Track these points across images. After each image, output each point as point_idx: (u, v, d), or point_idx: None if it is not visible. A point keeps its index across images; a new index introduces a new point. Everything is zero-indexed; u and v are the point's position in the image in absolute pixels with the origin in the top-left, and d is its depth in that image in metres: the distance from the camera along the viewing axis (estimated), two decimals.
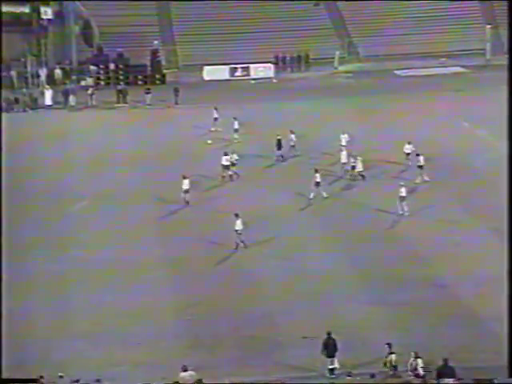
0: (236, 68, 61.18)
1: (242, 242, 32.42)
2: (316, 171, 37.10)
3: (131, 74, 59.21)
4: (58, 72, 57.73)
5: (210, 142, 44.82)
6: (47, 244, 33.29)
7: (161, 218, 35.97)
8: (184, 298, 29.19)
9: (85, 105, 53.33)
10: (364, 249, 32.51)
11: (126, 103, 53.75)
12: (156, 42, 61.27)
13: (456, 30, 64.45)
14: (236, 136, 44.99)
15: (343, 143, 41.91)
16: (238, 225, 32.23)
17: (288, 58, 63.35)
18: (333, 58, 62.79)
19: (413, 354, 23.59)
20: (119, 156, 43.38)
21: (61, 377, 22.91)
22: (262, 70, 61.51)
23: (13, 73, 55.78)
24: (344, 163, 39.96)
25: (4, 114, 51.03)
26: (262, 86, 58.87)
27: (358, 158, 39.34)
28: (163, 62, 61.04)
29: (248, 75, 61.20)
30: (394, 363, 23.68)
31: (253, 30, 63.78)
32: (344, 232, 34.17)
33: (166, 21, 64.84)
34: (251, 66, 61.26)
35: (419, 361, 23.51)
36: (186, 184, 36.07)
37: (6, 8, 57.49)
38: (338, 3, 67.28)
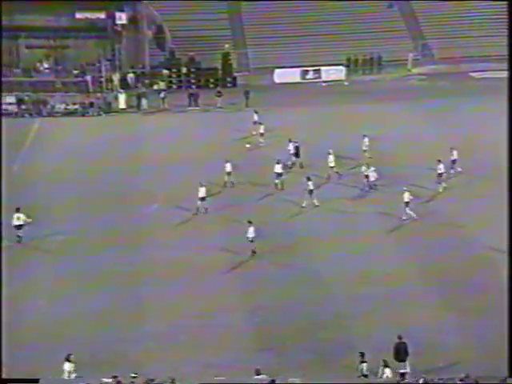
0: (307, 70, 60.88)
1: (254, 251, 32.17)
2: (308, 179, 36.71)
3: (203, 78, 59.65)
4: (131, 76, 58.60)
5: (248, 145, 44.46)
6: (121, 243, 33.64)
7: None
8: (253, 300, 29.16)
9: (157, 108, 53.93)
10: (430, 252, 31.86)
11: (198, 106, 54.09)
12: (227, 45, 61.56)
13: None
14: (261, 140, 44.47)
15: (364, 147, 41.45)
16: (251, 232, 31.98)
17: (360, 60, 62.73)
18: (406, 60, 61.90)
19: (382, 362, 23.09)
20: (190, 158, 43.47)
21: (134, 376, 23.03)
22: (334, 73, 61.06)
23: (88, 77, 56.82)
24: (332, 167, 39.58)
25: (79, 118, 52.27)
26: (334, 89, 58.48)
27: (371, 167, 38.26)
28: (234, 65, 61.29)
29: (319, 78, 60.87)
30: (365, 372, 23.23)
31: (324, 32, 63.36)
32: (408, 235, 33.58)
33: (237, 24, 65.05)
34: (322, 68, 60.91)
35: (387, 370, 23.05)
36: (202, 192, 35.79)
37: (82, 14, 58.82)
38: (413, 4, 66.34)
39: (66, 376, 23.35)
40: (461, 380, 22.11)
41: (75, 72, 57.67)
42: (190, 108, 54.02)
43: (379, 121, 48.83)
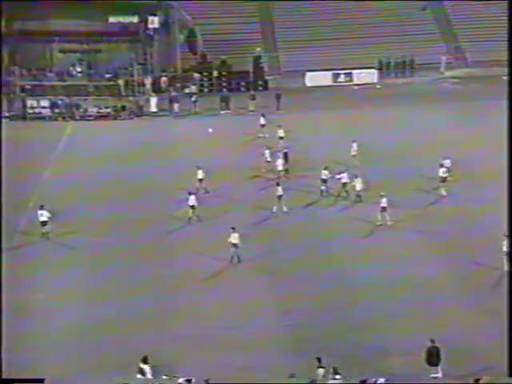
0: (339, 74, 60.71)
1: (238, 257, 31.91)
2: (277, 184, 36.55)
3: (234, 81, 59.75)
4: (163, 80, 58.87)
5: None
6: (157, 246, 33.67)
7: (259, 224, 35.81)
8: (284, 303, 29.08)
9: (188, 112, 54.07)
10: (467, 257, 31.50)
11: (229, 110, 54.16)
12: (259, 48, 61.60)
13: None
14: (281, 144, 44.15)
15: (353, 153, 41.23)
16: (235, 238, 31.69)
17: (392, 63, 62.38)
18: (439, 63, 61.42)
19: (332, 369, 22.94)
20: (218, 163, 43.01)
21: (174, 377, 23.05)
22: (366, 76, 60.80)
23: (120, 81, 57.18)
24: (280, 170, 39.42)
25: (111, 122, 52.65)
26: (365, 92, 58.22)
27: (357, 178, 37.62)
28: (266, 69, 61.29)
29: (351, 81, 60.63)
30: (320, 377, 23.10)
31: (356, 35, 63.10)
32: (444, 240, 33.25)
33: (268, 27, 65.06)
34: (354, 71, 60.68)
35: (338, 377, 22.86)
36: (192, 200, 35.49)
37: (115, 18, 59.30)
38: (446, 7, 65.82)
39: (144, 377, 23.47)
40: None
41: (108, 76, 58.13)
42: (222, 111, 54.13)
43: (410, 124, 48.54)
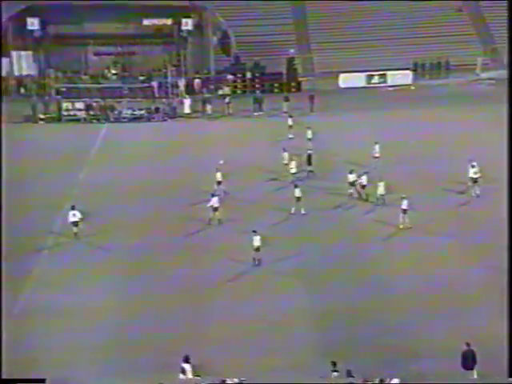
0: (373, 75, 60.38)
1: (259, 259, 31.73)
2: (295, 186, 36.28)
3: (267, 82, 59.74)
4: (196, 81, 59.03)
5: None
6: (187, 250, 33.66)
7: (290, 227, 35.64)
8: (319, 305, 28.92)
9: (222, 113, 54.17)
10: (499, 260, 31.03)
11: (262, 111, 54.12)
12: (292, 50, 61.52)
13: None
14: (310, 145, 43.90)
15: (376, 155, 41.00)
16: (257, 241, 31.54)
17: (427, 65, 61.87)
18: (475, 64, 60.74)
19: (346, 371, 22.73)
20: (241, 164, 42.89)
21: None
22: (400, 77, 60.39)
23: (154, 83, 57.48)
24: (293, 173, 39.22)
25: (145, 123, 52.93)
26: (399, 93, 57.80)
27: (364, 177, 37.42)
28: (299, 70, 61.16)
29: (385, 82, 60.28)
30: (333, 381, 22.96)
31: (391, 36, 62.74)
32: (476, 243, 32.89)
33: (302, 29, 64.92)
34: (388, 72, 60.30)
35: (351, 379, 22.59)
36: (214, 201, 35.31)
37: (149, 21, 59.67)
38: (482, 8, 65.09)
39: (185, 376, 23.49)
40: None
41: (142, 78, 58.49)
42: (255, 113, 54.12)
43: (443, 125, 48.08)
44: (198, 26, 60.33)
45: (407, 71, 60.53)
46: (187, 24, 59.06)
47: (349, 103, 54.61)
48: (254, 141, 47.37)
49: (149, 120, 53.50)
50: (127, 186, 40.66)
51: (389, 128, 48.07)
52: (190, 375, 23.77)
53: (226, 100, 54.72)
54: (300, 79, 60.23)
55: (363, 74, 60.20)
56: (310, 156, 40.98)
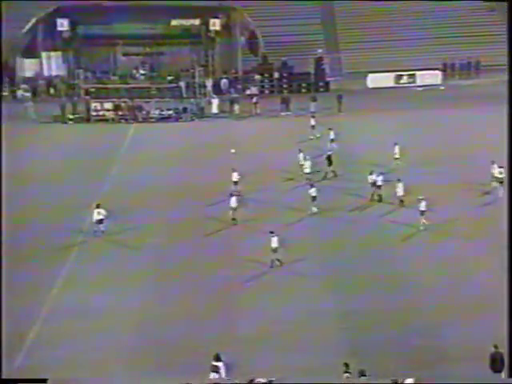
0: (401, 75, 59.98)
1: (278, 260, 31.56)
2: (311, 186, 36.34)
3: (295, 82, 59.60)
4: (224, 81, 59.08)
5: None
6: (213, 246, 33.74)
7: (306, 227, 35.48)
8: (345, 305, 28.78)
9: (249, 113, 54.14)
10: None
11: (290, 111, 53.99)
12: (320, 50, 61.33)
13: None
14: (334, 146, 43.55)
15: (395, 156, 41.06)
16: (274, 242, 31.38)
17: (457, 65, 61.29)
18: (505, 64, 59.97)
19: (358, 371, 22.50)
20: (261, 164, 42.88)
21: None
22: (429, 77, 59.95)
23: (182, 83, 57.62)
24: (307, 173, 39.39)
25: (172, 123, 53.07)
26: (428, 94, 57.37)
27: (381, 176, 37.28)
28: (327, 70, 60.94)
29: (414, 82, 59.85)
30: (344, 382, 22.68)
31: (420, 36, 62.22)
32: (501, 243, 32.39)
33: (330, 28, 64.67)
34: (417, 73, 59.87)
35: (363, 379, 22.29)
36: (233, 202, 35.52)
37: (177, 21, 59.83)
38: None
39: (219, 375, 23.44)
40: None
41: (169, 78, 58.63)
42: (282, 113, 54.00)
43: (470, 126, 47.64)
44: (226, 26, 60.33)
45: (437, 71, 60.05)
46: (215, 24, 59.13)
47: (377, 103, 54.34)
48: (278, 141, 47.14)
49: (176, 120, 53.61)
50: (155, 186, 40.74)
51: (415, 128, 47.81)
52: (223, 373, 23.58)
53: (254, 100, 54.67)
54: (328, 79, 60.03)
55: (392, 74, 59.83)
56: (330, 157, 40.83)
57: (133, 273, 31.57)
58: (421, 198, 34.68)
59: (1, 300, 28.17)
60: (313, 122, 47.55)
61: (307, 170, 40.02)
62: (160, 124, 52.97)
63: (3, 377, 22.68)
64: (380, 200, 37.39)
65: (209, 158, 44.82)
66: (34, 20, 58.77)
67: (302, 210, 36.66)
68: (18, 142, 47.93)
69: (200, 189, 39.89)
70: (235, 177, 38.54)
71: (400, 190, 36.66)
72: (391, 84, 59.72)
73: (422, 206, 34.38)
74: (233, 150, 39.00)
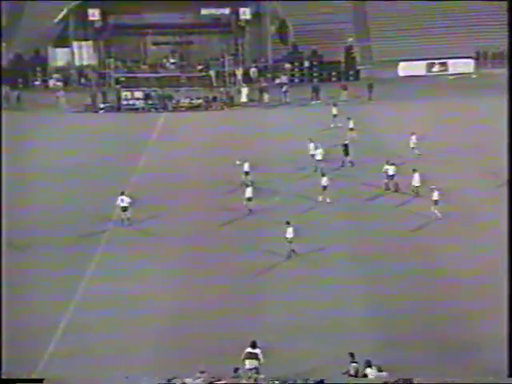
0: (433, 63, 59.41)
1: (293, 251, 31.37)
2: (323, 175, 36.15)
3: (325, 71, 59.34)
4: (253, 70, 58.97)
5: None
6: (241, 239, 33.72)
7: (320, 216, 35.27)
8: (378, 294, 28.59)
9: (279, 102, 54.02)
10: None
11: (319, 100, 53.73)
12: (351, 38, 60.94)
13: None
14: (353, 135, 43.34)
15: (412, 145, 41.01)
16: (289, 233, 31.17)
17: (490, 53, 60.49)
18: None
19: (365, 362, 22.34)
20: (276, 154, 42.69)
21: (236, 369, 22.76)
22: (461, 66, 59.26)
23: (212, 72, 57.63)
24: (318, 160, 39.46)
25: (202, 112, 53.09)
26: (460, 82, 56.76)
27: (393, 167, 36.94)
28: (357, 58, 60.55)
29: (446, 71, 59.24)
30: (351, 373, 22.48)
31: (452, 23, 61.49)
32: None
33: (361, 17, 64.18)
34: (449, 61, 59.23)
35: (368, 370, 22.10)
36: (248, 192, 35.51)
37: (207, 10, 59.81)
38: None
39: (258, 361, 23.19)
40: None
41: (199, 67, 58.69)
42: (312, 102, 53.77)
43: (499, 115, 46.92)
44: (256, 15, 60.18)
45: (469, 59, 59.35)
46: (245, 13, 59.02)
47: (408, 92, 53.90)
48: (302, 130, 46.44)
49: (206, 109, 53.68)
50: (183, 174, 40.79)
51: (443, 117, 47.25)
52: (262, 359, 23.38)
53: (284, 89, 54.51)
54: (358, 68, 59.64)
55: (423, 62, 59.28)
56: (346, 146, 40.61)
57: (159, 261, 31.62)
58: (433, 187, 34.43)
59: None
60: (335, 110, 47.31)
61: (318, 158, 39.90)
62: (190, 113, 53.06)
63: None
64: (396, 190, 37.13)
65: (236, 148, 44.66)
66: (65, 10, 59.10)
67: (313, 199, 36.52)
68: (50, 132, 48.38)
69: (227, 178, 39.86)
70: (246, 167, 38.51)
71: (416, 180, 36.38)
72: (423, 72, 59.20)
73: (435, 195, 34.09)
74: (238, 162, 39.12)
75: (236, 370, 22.91)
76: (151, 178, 40.64)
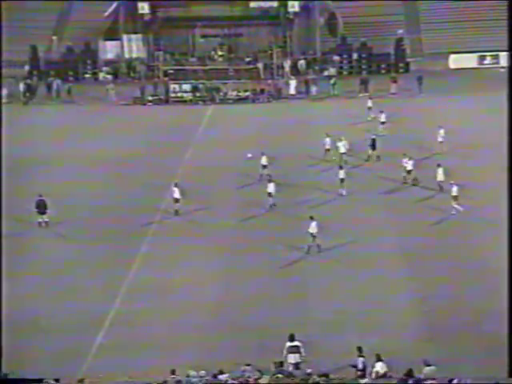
0: (485, 56, 58.39)
1: (318, 245, 31.09)
2: (341, 168, 35.93)
3: (374, 63, 58.78)
4: (301, 63, 58.68)
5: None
6: (282, 229, 33.64)
7: (340, 211, 35.18)
8: (422, 289, 28.35)
9: (327, 94, 53.66)
10: None
11: (368, 92, 53.23)
12: (401, 30, 60.19)
13: None
14: (381, 129, 43.11)
15: (439, 139, 40.31)
16: (313, 228, 30.84)
17: None
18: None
19: (375, 356, 21.89)
20: (302, 147, 42.44)
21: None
22: None
23: (259, 65, 57.53)
24: (342, 153, 39.32)
25: (249, 105, 53.03)
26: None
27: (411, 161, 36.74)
28: (407, 51, 59.81)
29: (497, 63, 58.16)
30: (359, 367, 22.21)
31: (504, 15, 60.16)
32: None
33: (411, 9, 63.33)
34: (501, 53, 58.08)
35: (379, 364, 21.62)
36: (271, 187, 35.32)
37: (255, 3, 59.72)
38: None
39: (299, 353, 23.17)
40: None
41: (247, 59, 58.63)
42: (360, 94, 53.29)
43: None
44: (305, 8, 59.87)
45: None
46: (294, 5, 58.76)
47: (458, 85, 53.08)
48: (341, 122, 46.28)
49: (253, 101, 53.62)
50: (230, 167, 40.81)
51: (489, 111, 46.20)
52: (303, 353, 23.27)
53: (332, 81, 54.17)
54: (408, 60, 58.93)
55: (475, 55, 58.31)
56: (374, 140, 40.22)
57: (206, 252, 31.72)
58: (452, 182, 34.05)
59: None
60: (370, 103, 46.84)
61: (342, 150, 39.68)
62: (237, 105, 53.07)
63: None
64: (415, 184, 36.75)
65: (280, 140, 44.48)
66: (115, 3, 59.60)
67: (333, 191, 36.47)
68: (100, 124, 48.87)
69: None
70: (264, 160, 38.37)
71: (440, 174, 35.88)
72: (474, 65, 58.27)
73: (454, 190, 33.76)
74: (249, 155, 39.01)
75: (280, 364, 22.59)
76: (197, 169, 40.75)
